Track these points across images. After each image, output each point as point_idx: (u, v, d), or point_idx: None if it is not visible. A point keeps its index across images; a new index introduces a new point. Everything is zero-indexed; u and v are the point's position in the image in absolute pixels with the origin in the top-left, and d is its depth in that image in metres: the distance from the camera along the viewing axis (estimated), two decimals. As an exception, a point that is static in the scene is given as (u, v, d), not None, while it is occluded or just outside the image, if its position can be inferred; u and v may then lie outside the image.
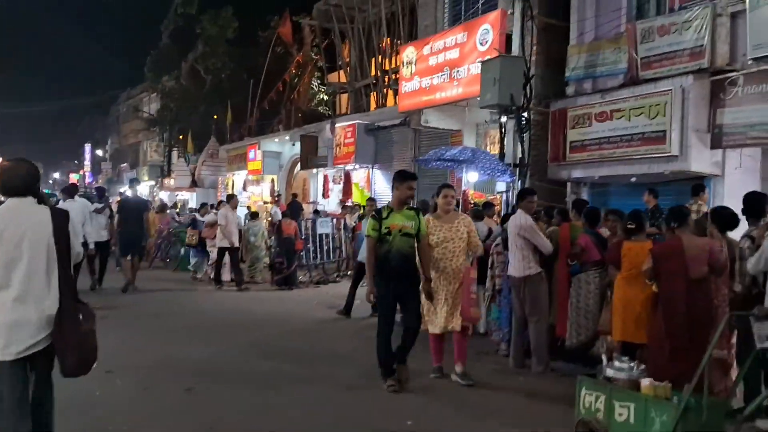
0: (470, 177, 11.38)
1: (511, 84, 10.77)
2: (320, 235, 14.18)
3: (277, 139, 24.51)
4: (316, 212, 16.72)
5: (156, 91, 37.17)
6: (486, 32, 12.53)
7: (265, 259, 14.02)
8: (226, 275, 13.14)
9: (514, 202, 7.12)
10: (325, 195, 21.07)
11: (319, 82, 30.50)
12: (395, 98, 19.33)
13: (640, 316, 5.66)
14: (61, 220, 3.62)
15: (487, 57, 11.98)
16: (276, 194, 24.11)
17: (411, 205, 6.26)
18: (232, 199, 13.60)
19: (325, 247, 14.32)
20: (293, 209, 13.87)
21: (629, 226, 5.89)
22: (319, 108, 30.09)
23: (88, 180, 52.83)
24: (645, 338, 5.57)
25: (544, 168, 11.55)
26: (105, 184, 42.76)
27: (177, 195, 34.18)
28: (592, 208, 6.96)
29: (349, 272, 14.61)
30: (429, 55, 14.35)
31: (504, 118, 11.31)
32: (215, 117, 31.95)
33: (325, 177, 21.36)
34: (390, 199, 6.56)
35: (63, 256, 3.57)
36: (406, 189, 6.03)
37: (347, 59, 21.66)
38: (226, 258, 12.91)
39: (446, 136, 16.10)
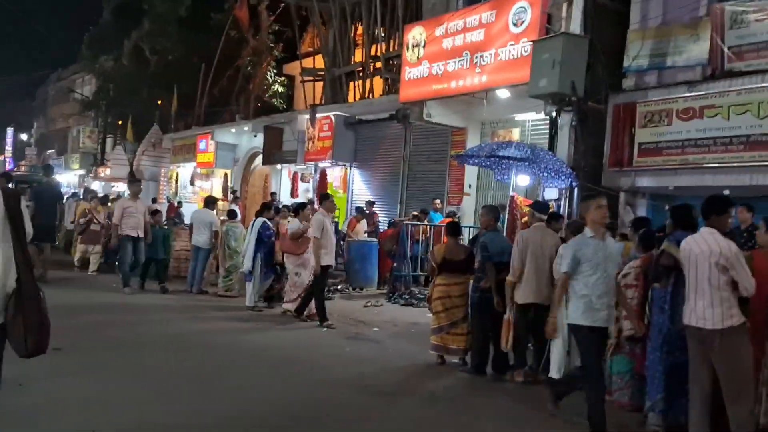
0: (520, 180, 9.36)
1: (572, 69, 8.91)
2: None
3: (233, 129, 22.00)
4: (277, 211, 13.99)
5: (92, 72, 33.68)
6: (522, 11, 10.59)
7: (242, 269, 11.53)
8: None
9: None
10: (293, 194, 18.75)
11: (275, 72, 28.17)
12: (384, 88, 17.27)
13: None
14: (13, 199, 3.62)
15: (523, 38, 10.12)
16: (232, 191, 21.66)
17: None
18: (327, 200, 9.86)
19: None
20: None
21: None
22: (273, 100, 27.74)
23: (8, 167, 48.27)
24: None
25: (596, 173, 9.73)
26: (28, 171, 38.94)
27: (113, 186, 30.98)
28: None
29: (339, 286, 12.40)
30: (443, 37, 12.27)
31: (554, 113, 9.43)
32: (159, 102, 29.02)
33: (294, 174, 19.05)
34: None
35: (19, 234, 3.54)
36: None
37: (327, 43, 19.35)
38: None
39: (446, 133, 14.19)
